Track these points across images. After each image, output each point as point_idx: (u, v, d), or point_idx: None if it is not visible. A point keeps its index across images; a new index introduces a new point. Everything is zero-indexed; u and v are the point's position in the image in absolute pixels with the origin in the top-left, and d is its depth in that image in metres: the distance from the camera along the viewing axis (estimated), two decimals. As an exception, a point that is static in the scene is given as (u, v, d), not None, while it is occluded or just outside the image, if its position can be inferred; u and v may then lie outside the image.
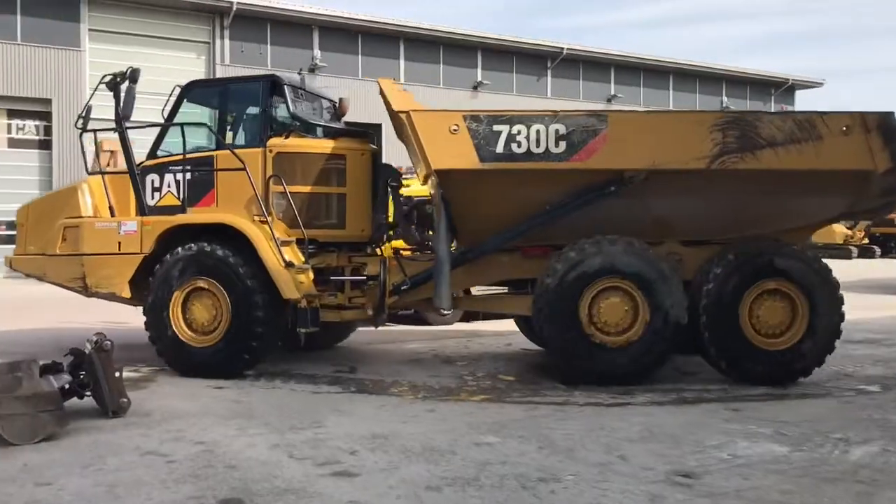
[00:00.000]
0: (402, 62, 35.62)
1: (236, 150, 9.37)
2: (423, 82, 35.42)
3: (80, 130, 9.88)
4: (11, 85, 28.03)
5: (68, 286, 10.01)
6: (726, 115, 8.85)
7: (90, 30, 29.44)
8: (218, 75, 31.54)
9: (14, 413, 6.31)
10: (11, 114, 28.63)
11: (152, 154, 9.95)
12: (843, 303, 8.82)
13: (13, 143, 28.69)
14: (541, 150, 8.62)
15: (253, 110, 10.02)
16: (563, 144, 8.62)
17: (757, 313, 8.74)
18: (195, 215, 9.52)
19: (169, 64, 30.73)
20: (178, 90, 10.05)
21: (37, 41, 28.33)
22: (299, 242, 9.24)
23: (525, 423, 7.12)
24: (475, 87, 37.02)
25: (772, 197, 8.93)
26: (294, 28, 33.22)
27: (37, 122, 28.95)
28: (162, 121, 9.91)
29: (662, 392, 8.48)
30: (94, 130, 9.90)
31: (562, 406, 7.88)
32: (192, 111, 10.31)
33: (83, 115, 9.89)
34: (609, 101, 40.75)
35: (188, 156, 9.51)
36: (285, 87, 9.61)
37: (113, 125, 9.74)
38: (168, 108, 9.87)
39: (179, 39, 31.24)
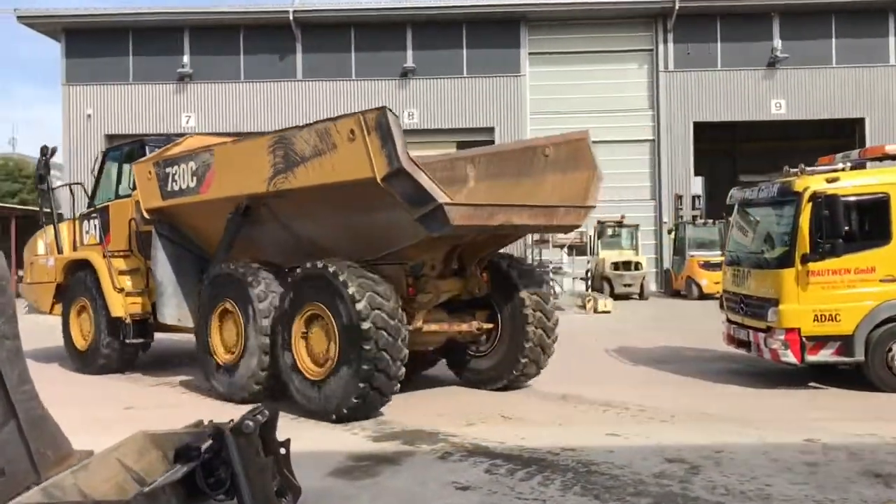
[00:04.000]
0: None
1: (119, 200, 11.86)
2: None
3: (38, 191, 12.98)
4: (459, 117, 28.88)
5: (34, 307, 13.33)
6: (275, 136, 8.74)
7: (530, 54, 29.09)
8: (661, 83, 28.91)
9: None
10: (460, 146, 29.51)
11: (90, 205, 12.45)
12: (370, 350, 7.77)
13: (462, 174, 29.51)
14: (185, 185, 9.80)
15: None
16: (195, 179, 9.68)
17: (309, 339, 8.46)
18: (73, 253, 12.32)
19: (610, 78, 29.10)
20: (100, 155, 12.83)
21: (480, 72, 28.80)
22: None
23: None
24: None
25: (355, 215, 8.42)
26: (748, 20, 28.88)
27: (482, 151, 29.39)
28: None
29: None
30: (43, 189, 12.64)
31: None
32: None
33: (44, 177, 12.53)
34: None
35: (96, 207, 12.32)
36: (146, 147, 11.66)
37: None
38: (97, 168, 12.53)
39: (619, 51, 29.28)
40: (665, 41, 29.06)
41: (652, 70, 29.34)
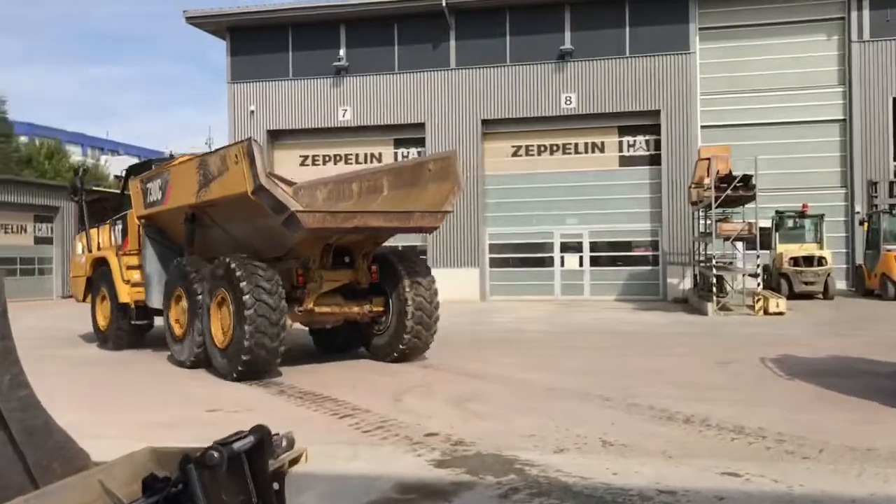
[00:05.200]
0: None
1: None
2: None
3: (73, 202, 16.13)
4: (621, 101, 27.01)
5: (74, 297, 16.26)
6: (200, 159, 11.36)
7: (700, 29, 26.66)
8: (854, 55, 25.67)
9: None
10: (622, 131, 27.63)
11: (116, 212, 14.94)
12: (252, 323, 10.03)
13: (624, 162, 27.62)
14: (155, 198, 12.63)
15: None
16: (161, 193, 12.40)
17: (221, 316, 10.64)
18: (97, 252, 14.81)
19: (792, 52, 26.19)
20: (124, 172, 15.43)
21: (644, 51, 26.78)
22: None
23: None
24: None
25: (257, 220, 10.63)
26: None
27: (646, 137, 27.36)
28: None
29: None
30: (76, 199, 15.36)
31: None
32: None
33: (77, 190, 15.08)
34: None
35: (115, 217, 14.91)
36: (153, 166, 14.05)
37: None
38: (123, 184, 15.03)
39: (804, 21, 26.20)
40: (859, 7, 25.67)
41: (843, 41, 26.01)
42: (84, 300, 15.23)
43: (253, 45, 29.54)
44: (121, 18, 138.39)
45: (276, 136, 29.92)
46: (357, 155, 29.32)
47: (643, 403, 8.51)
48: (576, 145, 27.98)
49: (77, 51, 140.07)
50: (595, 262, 27.79)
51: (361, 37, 28.84)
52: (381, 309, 11.72)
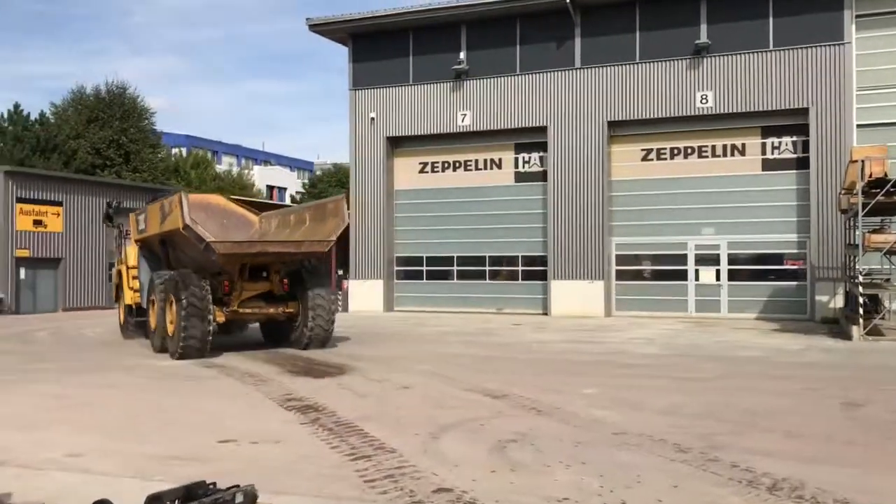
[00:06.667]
0: None
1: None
2: None
3: (107, 225, 22.60)
4: (764, 98, 24.45)
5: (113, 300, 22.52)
6: (161, 202, 16.01)
7: (856, 16, 23.68)
8: None
9: None
10: (766, 131, 25.02)
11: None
12: (186, 317, 14.13)
13: (767, 165, 24.98)
14: (143, 227, 17.46)
15: None
16: (145, 223, 17.18)
17: (172, 313, 14.72)
18: (119, 266, 20.24)
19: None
20: (144, 204, 20.99)
21: (790, 43, 24.11)
22: None
23: None
24: None
25: (194, 247, 14.73)
26: None
27: (793, 138, 24.62)
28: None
29: None
30: (111, 225, 21.51)
31: None
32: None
33: (111, 218, 21.19)
34: None
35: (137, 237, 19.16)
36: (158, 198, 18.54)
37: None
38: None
39: (982, 1, 22.70)
40: None
41: None
42: (116, 302, 20.65)
43: (374, 51, 29.11)
44: (284, 37, 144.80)
45: (396, 143, 29.31)
46: (476, 161, 28.25)
47: (726, 459, 6.82)
48: (713, 148, 25.62)
49: (240, 68, 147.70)
50: (734, 275, 25.31)
51: (482, 38, 27.75)
52: (293, 310, 15.79)
